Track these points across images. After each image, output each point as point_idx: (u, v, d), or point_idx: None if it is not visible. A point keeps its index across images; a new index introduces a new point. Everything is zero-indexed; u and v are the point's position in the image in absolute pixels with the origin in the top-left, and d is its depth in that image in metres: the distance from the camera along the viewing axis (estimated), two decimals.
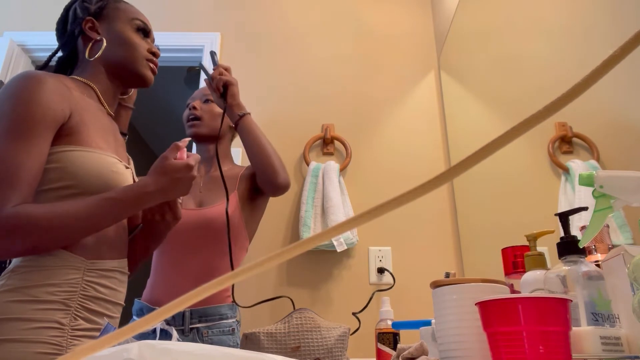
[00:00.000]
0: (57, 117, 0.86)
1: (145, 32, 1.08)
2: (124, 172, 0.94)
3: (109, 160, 0.92)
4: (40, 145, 0.83)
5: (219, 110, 1.51)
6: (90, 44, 1.02)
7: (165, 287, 1.33)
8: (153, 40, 1.12)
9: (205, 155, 1.52)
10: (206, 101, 1.52)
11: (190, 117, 1.50)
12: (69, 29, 1.04)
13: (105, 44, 1.02)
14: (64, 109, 0.88)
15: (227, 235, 1.34)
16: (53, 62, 1.10)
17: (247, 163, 1.46)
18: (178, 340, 1.23)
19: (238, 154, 1.86)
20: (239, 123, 1.34)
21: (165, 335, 1.26)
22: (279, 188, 1.33)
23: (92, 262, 0.89)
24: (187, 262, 1.33)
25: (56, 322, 0.82)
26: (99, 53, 1.01)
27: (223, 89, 1.33)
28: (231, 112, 1.34)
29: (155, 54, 1.08)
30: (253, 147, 1.32)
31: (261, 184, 1.36)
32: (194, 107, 1.50)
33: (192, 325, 1.29)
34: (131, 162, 1.09)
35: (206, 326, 1.29)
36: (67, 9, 1.07)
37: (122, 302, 0.97)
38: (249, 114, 1.35)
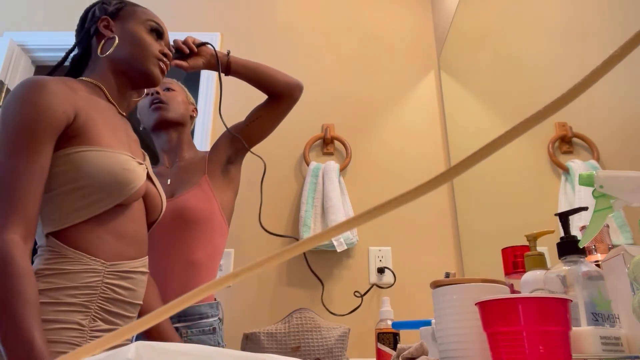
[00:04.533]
0: (59, 121, 0.87)
1: (158, 33, 1.09)
2: (136, 169, 0.95)
3: (121, 158, 0.92)
4: (43, 157, 0.84)
5: (180, 97, 1.50)
6: (103, 41, 1.04)
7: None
8: (167, 44, 1.13)
9: (168, 145, 1.48)
10: (166, 89, 1.49)
11: (155, 101, 1.45)
12: (85, 27, 1.07)
13: (117, 41, 1.03)
14: (66, 111, 0.88)
15: (204, 225, 1.33)
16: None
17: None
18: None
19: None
20: (230, 63, 1.36)
21: (143, 335, 1.25)
22: (297, 91, 1.44)
23: (113, 264, 0.91)
24: (167, 258, 1.30)
25: (76, 323, 0.84)
26: (111, 50, 1.02)
27: (196, 45, 1.32)
28: (220, 57, 1.36)
29: (166, 56, 1.09)
30: (259, 76, 1.38)
31: (280, 102, 1.42)
32: (157, 92, 1.46)
33: None
34: (147, 157, 1.10)
35: (185, 326, 1.27)
36: (87, 11, 1.10)
37: (140, 302, 0.98)
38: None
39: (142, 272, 0.98)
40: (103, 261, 0.89)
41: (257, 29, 2.15)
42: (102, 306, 0.88)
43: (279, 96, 1.41)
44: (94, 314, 0.87)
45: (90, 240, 0.89)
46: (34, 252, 0.89)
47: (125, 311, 0.93)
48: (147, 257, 1.01)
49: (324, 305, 1.61)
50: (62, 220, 0.87)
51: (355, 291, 1.66)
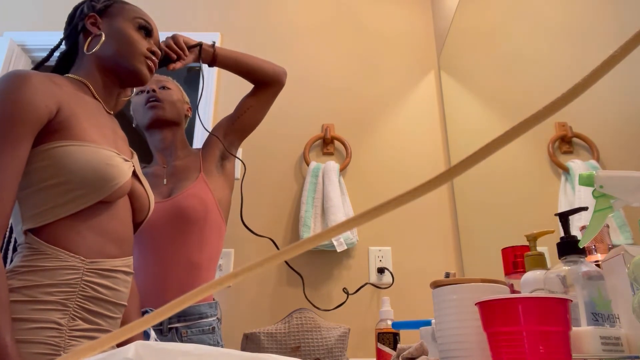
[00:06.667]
0: (40, 115, 0.85)
1: (147, 31, 1.07)
2: (120, 165, 0.92)
3: (104, 154, 0.90)
4: (21, 152, 0.82)
5: (176, 96, 1.49)
6: (90, 38, 1.02)
7: (148, 287, 1.28)
8: (157, 42, 1.11)
9: (162, 145, 1.47)
10: (162, 87, 1.48)
11: (151, 99, 1.43)
12: (72, 24, 1.05)
13: (103, 38, 1.01)
14: (48, 105, 0.86)
15: (203, 225, 1.33)
16: (52, 61, 1.10)
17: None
18: (155, 339, 1.22)
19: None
20: (215, 54, 1.36)
21: (144, 334, 1.25)
22: (284, 77, 1.47)
23: (93, 261, 0.88)
24: (166, 259, 1.29)
25: (54, 322, 0.82)
26: (97, 47, 1.00)
27: (189, 47, 1.32)
28: (204, 50, 1.36)
29: (155, 54, 1.07)
30: (245, 66, 1.42)
31: (269, 89, 1.45)
32: (154, 90, 1.45)
33: (170, 325, 1.26)
34: (135, 156, 1.08)
35: (185, 326, 1.26)
36: (75, 8, 1.08)
37: (125, 302, 0.95)
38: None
39: (125, 272, 0.95)
40: (82, 258, 0.87)
41: (257, 29, 2.15)
42: (82, 305, 0.85)
43: (268, 84, 1.44)
44: (73, 312, 0.84)
45: (70, 236, 0.86)
46: (14, 250, 0.87)
47: (107, 311, 0.90)
48: (131, 257, 0.98)
49: (307, 299, 1.61)
50: (42, 217, 0.85)
51: (344, 288, 1.67)
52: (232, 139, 1.45)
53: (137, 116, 1.50)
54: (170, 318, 1.27)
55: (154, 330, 1.25)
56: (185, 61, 1.30)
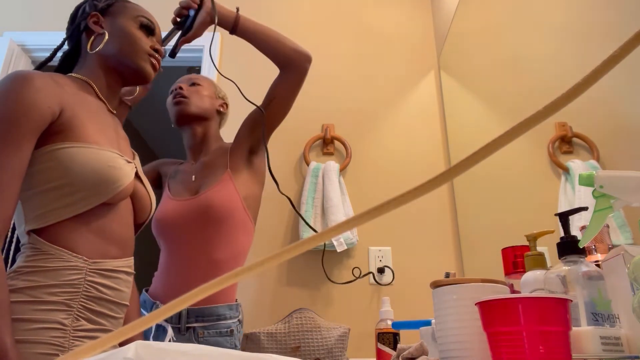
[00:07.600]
0: (43, 116, 0.85)
1: (149, 29, 1.07)
2: (122, 167, 0.93)
3: (107, 155, 0.90)
4: (23, 153, 0.82)
5: (206, 92, 1.46)
6: (93, 37, 1.02)
7: (169, 284, 1.28)
8: (159, 40, 1.11)
9: (192, 141, 1.46)
10: (192, 84, 1.47)
11: (177, 95, 1.43)
12: (75, 23, 1.05)
13: (107, 37, 1.01)
14: (51, 106, 0.86)
15: (227, 223, 1.30)
16: (55, 61, 1.11)
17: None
18: (172, 338, 1.22)
19: None
20: (238, 23, 1.27)
21: (162, 331, 1.25)
22: (308, 61, 1.34)
23: (95, 262, 0.89)
24: (189, 257, 1.29)
25: (58, 322, 0.82)
26: (100, 46, 1.00)
27: (198, 6, 1.24)
28: (222, 16, 1.25)
29: (158, 51, 1.07)
30: (267, 39, 1.30)
31: (290, 73, 1.34)
32: (180, 88, 1.44)
33: (188, 325, 1.26)
34: (136, 157, 1.08)
35: (202, 326, 1.25)
36: (77, 7, 1.08)
37: (127, 302, 0.95)
38: (238, 9, 1.28)
39: (127, 273, 0.96)
40: (85, 258, 0.87)
41: None
42: (86, 305, 0.86)
43: (287, 64, 1.32)
44: (76, 313, 0.84)
45: (73, 237, 0.87)
46: (16, 250, 0.87)
47: (110, 311, 0.91)
48: (132, 258, 0.99)
49: (324, 271, 1.63)
50: (45, 218, 0.85)
51: (355, 267, 1.70)
52: (260, 135, 1.39)
53: (170, 116, 1.49)
54: (188, 317, 1.26)
55: (172, 328, 1.25)
56: (197, 32, 1.23)
